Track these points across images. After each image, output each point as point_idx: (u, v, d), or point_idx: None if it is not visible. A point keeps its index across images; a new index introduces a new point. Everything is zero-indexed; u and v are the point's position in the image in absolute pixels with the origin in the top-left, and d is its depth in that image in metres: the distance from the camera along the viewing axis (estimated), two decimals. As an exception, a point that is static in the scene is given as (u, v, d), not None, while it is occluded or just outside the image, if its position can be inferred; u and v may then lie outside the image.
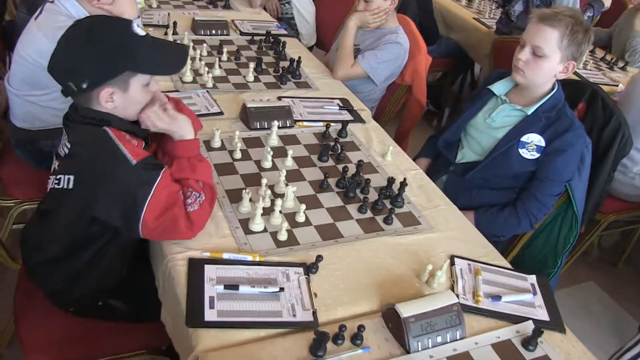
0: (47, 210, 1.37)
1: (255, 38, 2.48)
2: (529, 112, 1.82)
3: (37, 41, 1.75)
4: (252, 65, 2.14)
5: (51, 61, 1.26)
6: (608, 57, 3.41)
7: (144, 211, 1.21)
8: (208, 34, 2.45)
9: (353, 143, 1.88)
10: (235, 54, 2.28)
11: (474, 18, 3.63)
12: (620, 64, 3.39)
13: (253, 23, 2.68)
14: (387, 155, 1.83)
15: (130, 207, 1.22)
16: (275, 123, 1.76)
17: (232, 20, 2.64)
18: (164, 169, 1.27)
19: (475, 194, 1.92)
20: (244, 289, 1.22)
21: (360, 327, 1.16)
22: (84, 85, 1.20)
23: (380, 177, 1.73)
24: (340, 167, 1.72)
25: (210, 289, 1.21)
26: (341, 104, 2.08)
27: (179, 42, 2.31)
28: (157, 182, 1.23)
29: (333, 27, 3.22)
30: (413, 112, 2.55)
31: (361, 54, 2.30)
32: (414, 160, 1.97)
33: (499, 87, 1.93)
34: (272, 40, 2.47)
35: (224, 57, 2.25)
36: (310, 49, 3.12)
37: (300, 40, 2.87)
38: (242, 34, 2.54)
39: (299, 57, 2.22)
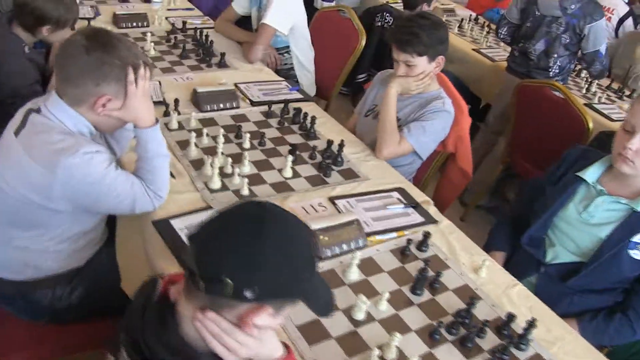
0: None
1: (272, 108, 2.07)
2: (639, 208, 1.56)
3: (28, 171, 1.29)
4: (288, 158, 1.73)
5: (200, 236, 0.84)
6: (614, 86, 3.27)
7: None
8: (215, 108, 2.02)
9: (437, 257, 1.55)
10: (259, 137, 1.87)
11: (473, 49, 3.38)
12: (627, 92, 3.25)
13: (260, 85, 2.27)
14: (482, 271, 1.52)
15: None
16: (357, 255, 1.40)
17: (236, 86, 2.22)
18: None
19: (576, 300, 1.64)
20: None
21: None
22: (248, 295, 0.79)
23: (485, 306, 1.41)
24: (439, 299, 1.40)
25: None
26: (403, 199, 1.74)
27: (185, 124, 1.89)
28: None
29: (332, 73, 2.87)
30: (455, 183, 2.25)
31: (406, 127, 1.96)
32: (486, 251, 1.68)
33: (592, 174, 1.66)
34: (293, 111, 2.07)
35: (247, 143, 1.84)
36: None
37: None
38: (253, 103, 2.13)
39: (342, 141, 1.85)
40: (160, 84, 2.13)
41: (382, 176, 1.86)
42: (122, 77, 1.32)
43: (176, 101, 1.94)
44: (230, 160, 1.69)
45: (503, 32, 3.05)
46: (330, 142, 1.87)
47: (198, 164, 1.70)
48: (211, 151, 1.76)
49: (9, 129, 1.39)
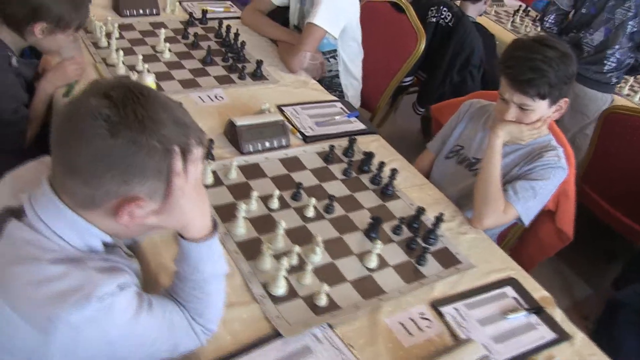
0: None
1: (333, 147, 1.57)
2: None
3: (5, 327, 0.78)
4: (376, 246, 1.24)
5: None
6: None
7: None
8: (260, 148, 1.52)
9: (589, 406, 1.12)
10: (327, 202, 1.38)
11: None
12: None
13: (309, 109, 1.75)
14: None
15: None
16: None
17: (281, 110, 1.71)
18: None
19: None
20: None
21: None
22: None
23: None
24: None
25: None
26: (520, 299, 1.30)
27: (222, 177, 1.39)
28: None
29: (380, 79, 2.37)
30: (547, 244, 1.81)
31: (511, 188, 1.49)
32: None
33: None
34: (363, 156, 1.58)
35: (310, 210, 1.35)
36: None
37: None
38: (306, 139, 1.63)
39: (441, 215, 1.37)
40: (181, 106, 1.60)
41: (485, 259, 1.40)
42: (164, 167, 0.81)
43: (211, 143, 1.43)
44: (297, 248, 1.20)
45: (550, 21, 2.59)
46: (421, 211, 1.40)
47: (250, 250, 1.21)
48: (266, 224, 1.28)
49: None
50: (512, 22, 3.19)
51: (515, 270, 1.41)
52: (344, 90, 2.23)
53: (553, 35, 2.69)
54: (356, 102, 2.30)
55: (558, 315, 1.31)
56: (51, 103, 1.62)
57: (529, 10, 3.43)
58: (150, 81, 1.25)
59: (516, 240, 1.90)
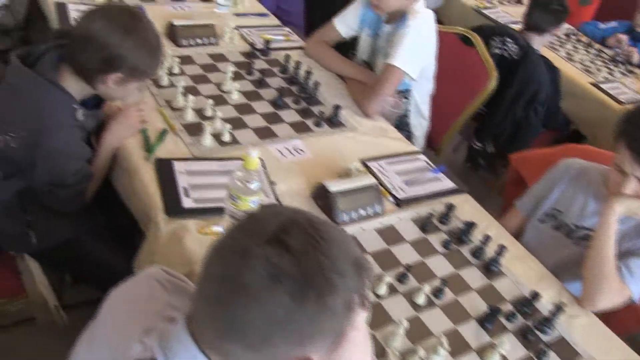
0: None
1: (432, 215, 1.44)
2: None
3: None
4: (502, 346, 1.13)
5: None
6: None
7: None
8: (356, 218, 1.37)
9: None
10: (438, 286, 1.25)
11: (590, 83, 2.75)
12: None
13: (394, 164, 1.62)
14: None
15: None
16: None
17: (366, 166, 1.58)
18: None
19: None
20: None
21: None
22: None
23: None
24: None
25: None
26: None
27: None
28: None
29: (445, 117, 2.25)
30: (625, 324, 1.67)
31: (624, 266, 1.38)
32: None
33: None
34: (463, 226, 1.45)
35: (421, 297, 1.22)
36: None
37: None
38: (399, 203, 1.49)
39: (562, 304, 1.25)
40: (263, 164, 1.47)
41: (603, 349, 1.29)
42: (343, 323, 0.68)
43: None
44: (422, 352, 1.08)
45: None
46: (535, 296, 1.28)
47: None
48: (377, 317, 1.16)
49: None
50: (566, 50, 3.06)
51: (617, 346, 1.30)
52: (412, 130, 2.10)
53: None
54: (422, 142, 2.17)
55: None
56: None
57: (579, 35, 3.30)
58: (255, 157, 1.10)
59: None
